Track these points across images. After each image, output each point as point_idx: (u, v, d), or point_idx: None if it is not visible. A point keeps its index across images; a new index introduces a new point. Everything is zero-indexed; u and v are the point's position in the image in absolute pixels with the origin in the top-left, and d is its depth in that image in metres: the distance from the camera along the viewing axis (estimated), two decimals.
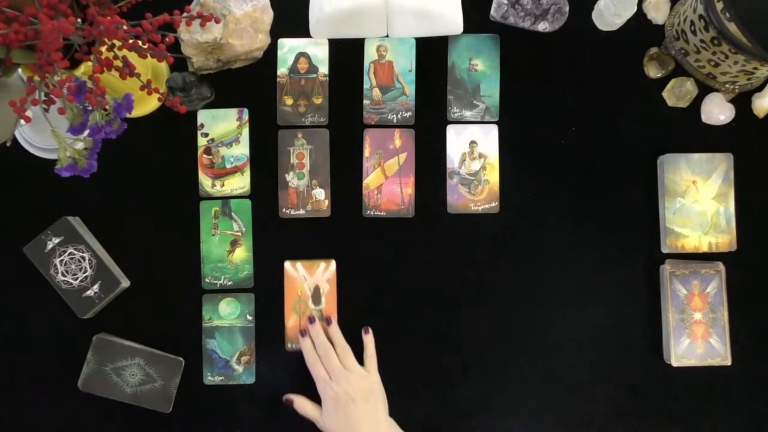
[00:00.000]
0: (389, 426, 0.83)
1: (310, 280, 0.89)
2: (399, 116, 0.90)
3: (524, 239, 0.90)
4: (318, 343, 0.86)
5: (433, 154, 0.90)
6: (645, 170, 0.91)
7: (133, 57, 0.71)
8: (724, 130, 0.91)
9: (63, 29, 0.61)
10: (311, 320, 0.87)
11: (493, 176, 0.90)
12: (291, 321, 0.89)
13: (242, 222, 0.89)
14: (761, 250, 0.90)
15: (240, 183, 0.89)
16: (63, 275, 0.86)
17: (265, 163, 0.90)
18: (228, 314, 0.89)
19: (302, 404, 0.85)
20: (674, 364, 0.87)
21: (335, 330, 0.87)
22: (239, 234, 0.89)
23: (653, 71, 0.91)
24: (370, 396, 0.83)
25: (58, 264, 0.86)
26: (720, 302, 0.87)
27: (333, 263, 0.89)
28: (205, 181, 0.89)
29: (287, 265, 0.89)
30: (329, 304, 0.89)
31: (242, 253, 0.89)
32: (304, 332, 0.87)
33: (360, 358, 0.86)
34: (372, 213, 0.90)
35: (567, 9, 0.89)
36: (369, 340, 0.87)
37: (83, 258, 0.86)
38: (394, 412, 0.84)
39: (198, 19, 0.74)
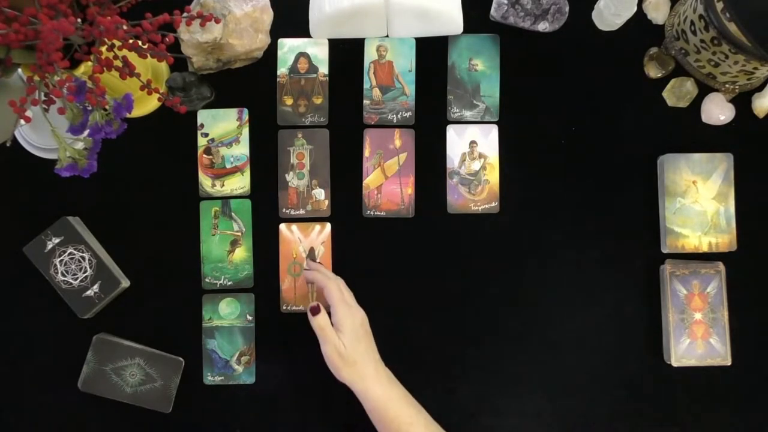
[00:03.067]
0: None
1: (305, 242, 0.89)
2: (399, 116, 0.90)
3: (524, 239, 0.90)
4: (329, 275, 0.84)
5: (433, 154, 0.90)
6: (645, 170, 0.91)
7: (133, 57, 0.71)
8: (724, 130, 0.91)
9: (63, 29, 0.61)
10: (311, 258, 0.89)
11: (493, 176, 0.90)
12: (286, 283, 0.89)
13: (242, 222, 0.89)
14: (761, 250, 0.90)
15: (240, 183, 0.89)
16: (63, 275, 0.86)
17: (265, 163, 0.90)
18: (228, 314, 0.89)
19: (323, 323, 0.80)
20: (674, 364, 0.87)
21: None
22: (239, 234, 0.89)
23: (653, 71, 0.91)
24: (369, 330, 0.82)
25: (58, 264, 0.86)
26: (720, 302, 0.87)
27: (328, 225, 0.89)
28: (205, 181, 0.89)
29: (282, 227, 0.89)
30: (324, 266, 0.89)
31: (242, 253, 0.89)
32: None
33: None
34: (372, 213, 0.90)
35: (567, 9, 0.89)
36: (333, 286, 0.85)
37: (83, 258, 0.86)
38: None
39: (198, 19, 0.74)
